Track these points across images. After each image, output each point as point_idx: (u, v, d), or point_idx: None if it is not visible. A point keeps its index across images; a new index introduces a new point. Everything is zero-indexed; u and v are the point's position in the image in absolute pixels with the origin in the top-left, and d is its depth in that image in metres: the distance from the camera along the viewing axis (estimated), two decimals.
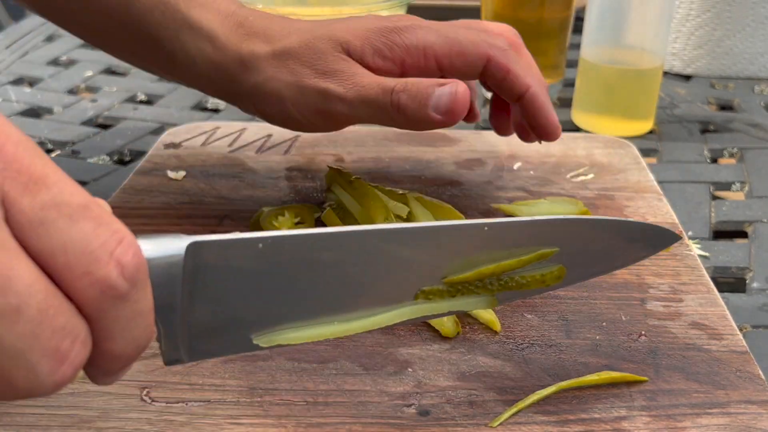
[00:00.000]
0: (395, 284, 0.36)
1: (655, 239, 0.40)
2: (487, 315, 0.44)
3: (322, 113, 0.46)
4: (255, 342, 0.33)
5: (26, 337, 0.23)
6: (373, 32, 0.45)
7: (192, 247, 0.30)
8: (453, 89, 0.43)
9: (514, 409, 0.37)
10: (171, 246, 0.29)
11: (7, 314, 0.23)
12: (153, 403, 0.37)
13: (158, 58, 0.50)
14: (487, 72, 0.46)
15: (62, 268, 0.24)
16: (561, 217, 0.38)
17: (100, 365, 0.26)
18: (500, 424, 0.36)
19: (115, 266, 0.25)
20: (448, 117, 0.44)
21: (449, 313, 0.37)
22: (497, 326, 0.43)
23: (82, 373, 0.26)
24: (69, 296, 0.24)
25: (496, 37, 0.47)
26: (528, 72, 0.47)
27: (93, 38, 0.53)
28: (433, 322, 0.43)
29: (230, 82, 0.48)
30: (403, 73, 0.46)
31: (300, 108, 0.46)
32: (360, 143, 0.65)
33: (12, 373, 0.24)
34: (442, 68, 0.46)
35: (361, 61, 0.45)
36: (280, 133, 0.66)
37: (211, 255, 0.31)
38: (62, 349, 0.24)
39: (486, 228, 0.36)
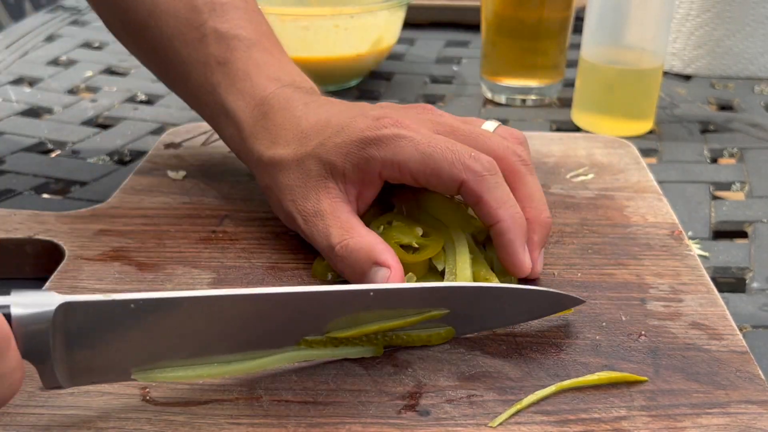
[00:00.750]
0: (277, 334, 0.38)
1: (554, 304, 0.43)
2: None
3: (305, 236, 0.48)
4: (133, 377, 0.36)
5: None
6: (354, 145, 0.45)
7: (62, 308, 0.33)
8: (385, 275, 0.42)
9: (514, 409, 0.37)
10: (42, 303, 0.32)
11: None
12: (153, 403, 0.37)
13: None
14: (461, 193, 0.44)
15: None
16: (450, 284, 0.40)
17: None
18: (500, 424, 0.36)
19: None
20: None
21: (332, 357, 0.40)
22: None
23: None
24: None
25: (478, 158, 0.44)
26: (502, 204, 0.44)
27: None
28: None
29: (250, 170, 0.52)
30: (381, 182, 0.47)
31: (290, 224, 0.49)
32: None
33: None
34: (418, 183, 0.45)
35: (343, 179, 0.46)
36: None
37: (83, 315, 0.33)
38: None
39: (371, 293, 0.38)
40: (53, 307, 0.32)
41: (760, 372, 0.40)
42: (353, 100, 0.83)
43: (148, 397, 0.38)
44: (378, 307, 0.38)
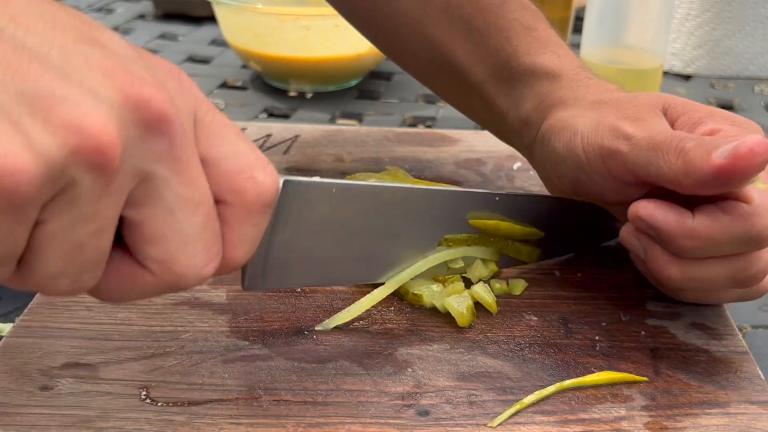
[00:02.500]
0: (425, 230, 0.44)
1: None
2: (488, 298, 0.44)
3: (603, 151, 0.42)
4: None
5: (197, 228, 0.29)
6: (697, 110, 0.43)
7: (286, 184, 0.36)
8: (744, 138, 0.37)
9: (513, 409, 0.37)
10: None
11: (191, 206, 0.28)
12: (153, 403, 0.37)
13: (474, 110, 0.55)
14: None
15: (231, 170, 0.30)
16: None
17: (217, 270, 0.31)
18: (500, 424, 0.36)
19: (270, 180, 0.31)
20: (732, 161, 0.37)
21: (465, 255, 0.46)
22: (494, 309, 0.44)
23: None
24: (224, 203, 0.30)
25: None
26: None
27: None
28: (452, 311, 0.43)
29: (538, 119, 0.48)
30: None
31: (587, 143, 0.43)
32: (360, 143, 0.65)
33: (179, 256, 0.29)
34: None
35: (672, 124, 0.43)
36: (279, 133, 0.66)
37: (297, 193, 0.37)
38: (213, 251, 0.30)
39: (497, 198, 0.46)
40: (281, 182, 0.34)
41: (760, 372, 0.40)
42: (353, 100, 0.83)
43: (148, 397, 0.38)
44: (499, 212, 0.46)
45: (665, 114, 0.43)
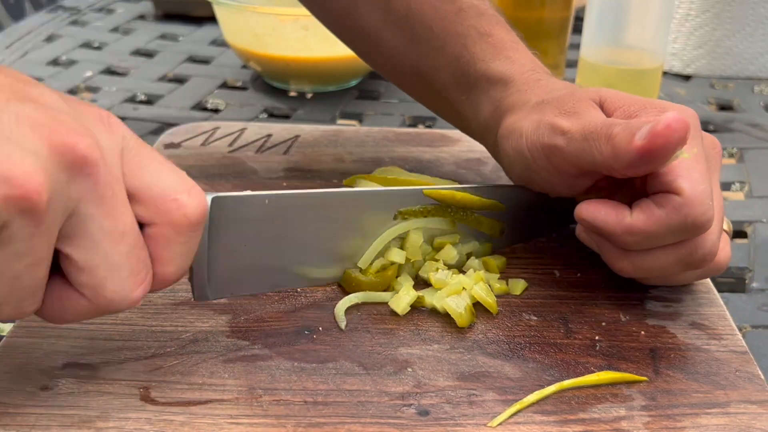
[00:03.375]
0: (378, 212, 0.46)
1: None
2: (489, 298, 0.44)
3: (545, 149, 0.44)
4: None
5: (123, 256, 0.32)
6: (632, 103, 0.44)
7: (215, 201, 0.38)
8: (660, 117, 0.39)
9: (513, 409, 0.37)
10: None
11: (116, 237, 0.32)
12: (153, 403, 0.37)
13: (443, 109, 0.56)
14: None
15: (156, 196, 0.33)
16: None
17: (152, 286, 0.35)
18: (500, 424, 0.36)
19: (195, 201, 0.34)
20: (651, 139, 0.39)
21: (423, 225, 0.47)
22: (494, 309, 0.44)
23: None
24: (152, 225, 0.33)
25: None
26: None
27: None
28: (451, 312, 0.43)
29: (494, 126, 0.50)
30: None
31: (530, 143, 0.45)
32: (360, 143, 0.65)
33: (106, 283, 0.32)
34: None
35: (609, 117, 0.44)
36: (279, 133, 0.66)
37: (229, 208, 0.39)
38: (141, 275, 0.33)
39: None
40: (209, 202, 0.37)
41: (760, 372, 0.40)
42: (353, 100, 0.83)
43: (148, 397, 0.38)
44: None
45: (602, 107, 0.45)
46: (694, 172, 0.40)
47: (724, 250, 0.44)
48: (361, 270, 0.46)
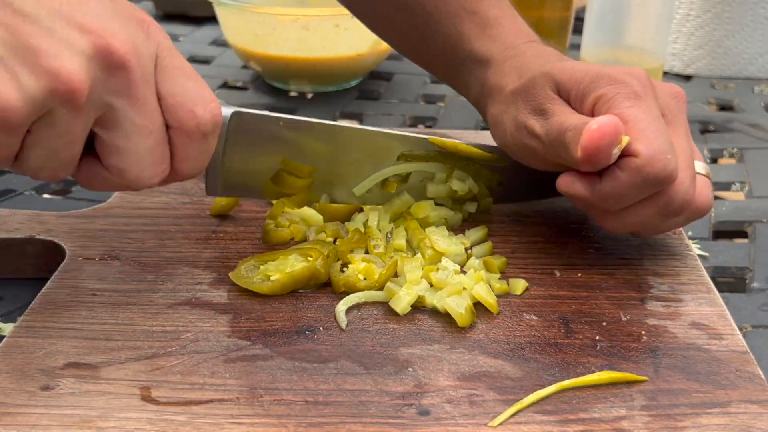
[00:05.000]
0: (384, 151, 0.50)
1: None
2: (489, 298, 0.44)
3: (527, 149, 0.48)
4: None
5: (148, 149, 0.39)
6: (579, 80, 0.46)
7: (235, 114, 0.44)
8: (590, 123, 0.43)
9: (514, 409, 0.37)
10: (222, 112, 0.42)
11: (144, 132, 0.38)
12: (153, 402, 0.37)
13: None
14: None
15: (176, 104, 0.39)
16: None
17: (168, 178, 0.41)
18: (500, 424, 0.37)
19: (209, 114, 0.40)
20: (587, 146, 0.42)
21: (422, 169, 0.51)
22: (495, 309, 0.44)
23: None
24: (172, 128, 0.39)
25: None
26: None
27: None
28: (451, 312, 0.43)
29: (484, 106, 0.53)
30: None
31: (514, 141, 0.49)
32: None
33: (132, 168, 0.39)
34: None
35: (567, 103, 0.47)
36: None
37: (247, 123, 0.45)
38: (161, 167, 0.40)
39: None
40: (228, 114, 0.44)
41: (760, 372, 0.40)
42: (353, 100, 0.83)
43: (148, 397, 0.38)
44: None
45: (559, 94, 0.47)
46: (649, 132, 0.43)
47: (703, 193, 0.45)
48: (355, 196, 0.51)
